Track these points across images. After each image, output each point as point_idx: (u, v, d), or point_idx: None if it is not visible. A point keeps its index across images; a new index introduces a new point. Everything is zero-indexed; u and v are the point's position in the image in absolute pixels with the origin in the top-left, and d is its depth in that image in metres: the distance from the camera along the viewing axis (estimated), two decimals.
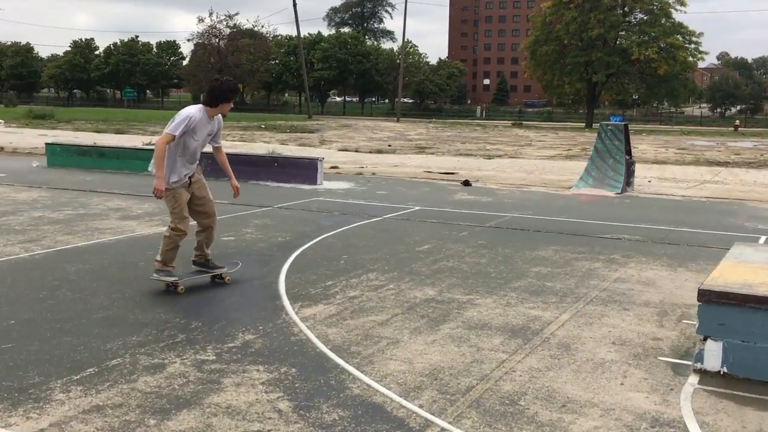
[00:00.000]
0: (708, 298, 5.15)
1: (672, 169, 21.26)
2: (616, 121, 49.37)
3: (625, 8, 66.23)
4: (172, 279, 6.96)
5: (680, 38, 63.94)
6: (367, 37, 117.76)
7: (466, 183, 16.27)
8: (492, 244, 9.56)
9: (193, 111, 6.80)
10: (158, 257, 7.01)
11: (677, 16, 65.38)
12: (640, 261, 8.72)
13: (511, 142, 35.09)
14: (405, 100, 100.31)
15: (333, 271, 7.93)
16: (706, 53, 67.65)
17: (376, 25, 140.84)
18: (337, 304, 6.64)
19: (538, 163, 22.61)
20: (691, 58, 64.79)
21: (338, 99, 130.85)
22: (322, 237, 9.86)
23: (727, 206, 13.68)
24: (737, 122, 69.92)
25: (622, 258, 8.87)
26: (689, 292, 7.31)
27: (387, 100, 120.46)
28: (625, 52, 64.31)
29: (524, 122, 72.72)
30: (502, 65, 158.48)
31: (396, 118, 71.00)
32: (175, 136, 6.64)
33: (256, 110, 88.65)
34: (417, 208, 12.73)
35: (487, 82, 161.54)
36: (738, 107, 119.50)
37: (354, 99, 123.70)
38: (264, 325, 5.96)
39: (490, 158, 24.40)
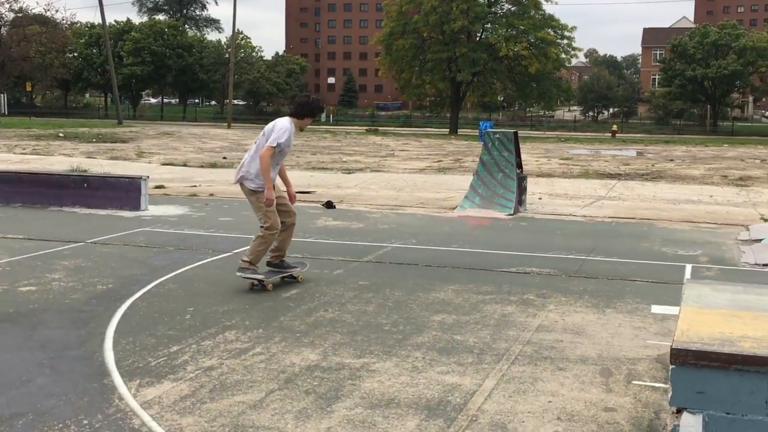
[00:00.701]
0: (684, 359, 4.78)
1: (561, 183, 21.66)
2: (486, 127, 50.93)
3: None
4: (260, 276, 8.69)
5: (552, 33, 66.76)
6: (187, 26, 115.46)
7: (329, 205, 15.69)
8: (377, 286, 8.98)
9: (287, 123, 8.64)
10: (247, 257, 8.72)
11: (548, 8, 68.50)
12: (559, 301, 8.42)
13: (371, 153, 34.99)
14: (236, 101, 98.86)
15: (178, 330, 7.08)
16: (580, 50, 71.24)
17: (198, 12, 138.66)
18: (189, 379, 5.83)
19: (407, 178, 22.43)
20: (564, 55, 67.82)
21: (154, 101, 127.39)
22: (157, 282, 8.94)
23: (635, 228, 13.86)
24: (615, 127, 73.72)
25: (537, 298, 8.54)
26: (628, 341, 7.04)
27: (214, 102, 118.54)
28: (493, 47, 66.37)
29: (380, 128, 73.47)
30: (349, 61, 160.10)
31: (227, 124, 69.65)
32: (274, 147, 8.47)
33: (49, 114, 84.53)
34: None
35: (332, 80, 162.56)
36: (611, 110, 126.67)
37: (173, 101, 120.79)
38: (90, 418, 5.07)
39: (349, 172, 24.02)
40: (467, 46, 66.18)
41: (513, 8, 67.85)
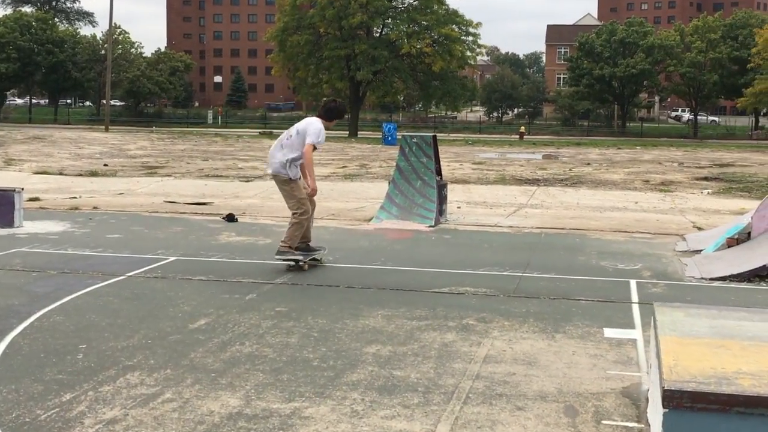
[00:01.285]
0: (678, 402, 4.43)
1: (479, 189, 21.54)
2: (390, 129, 50.81)
3: None
4: (300, 257, 10.52)
5: (456, 29, 67.29)
6: (58, 19, 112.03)
7: (231, 218, 15.07)
8: (297, 312, 8.46)
9: (320, 124, 10.48)
10: (286, 241, 10.44)
11: (451, 2, 68.95)
12: (503, 326, 8.06)
13: (267, 158, 34.28)
14: (114, 102, 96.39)
15: (70, 373, 6.43)
16: (486, 47, 71.76)
17: (69, 5, 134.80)
18: None
19: None
20: (469, 53, 68.45)
21: (20, 101, 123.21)
22: (40, 314, 8.22)
23: (567, 239, 13.71)
24: (522, 129, 74.82)
25: (478, 323, 8.17)
26: (587, 372, 6.73)
27: (89, 103, 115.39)
28: (394, 44, 66.50)
29: (274, 130, 72.64)
30: (237, 59, 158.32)
31: (104, 127, 67.65)
32: (315, 146, 10.31)
33: None
34: (172, 258, 11.33)
35: (219, 79, 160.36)
36: (516, 110, 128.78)
37: (42, 101, 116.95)
38: None
39: (247, 180, 23.38)
40: (367, 42, 66.13)
41: (415, 2, 68.16)
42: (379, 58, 64.37)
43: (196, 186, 21.59)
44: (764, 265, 10.32)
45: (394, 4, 68.73)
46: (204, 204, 17.73)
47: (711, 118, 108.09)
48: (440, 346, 7.37)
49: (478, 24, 67.70)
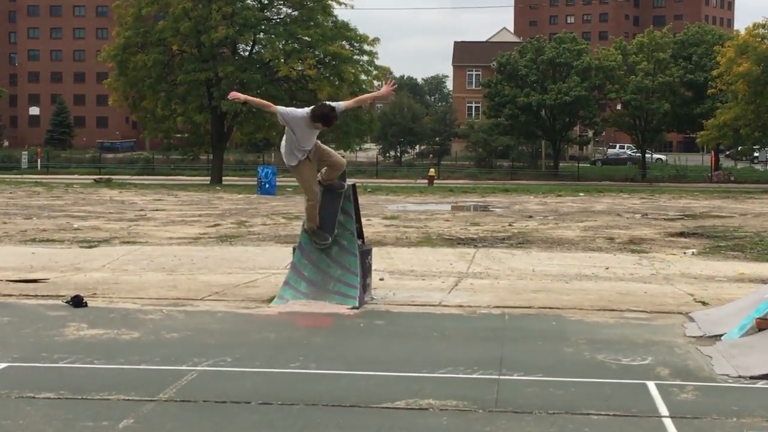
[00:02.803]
0: None
1: (401, 254, 20.76)
2: (266, 173, 49.90)
3: None
4: (327, 234, 14.21)
5: (347, 46, 67.00)
6: None
7: (77, 302, 13.82)
8: None
9: (295, 110, 14.03)
10: (308, 226, 14.30)
11: (341, 14, 68.69)
12: None
13: (112, 214, 32.96)
14: None
15: None
16: (385, 69, 71.32)
17: None
18: None
19: (178, 252, 20.79)
20: (364, 76, 68.13)
21: None
22: None
23: (540, 323, 13.00)
24: (432, 172, 74.90)
25: None
26: None
27: None
28: (268, 65, 65.68)
29: (113, 177, 70.88)
30: (59, 84, 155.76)
31: None
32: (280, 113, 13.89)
33: None
34: (2, 365, 10.12)
35: (35, 111, 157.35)
36: (418, 148, 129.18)
37: None
38: None
39: (91, 246, 22.07)
40: (233, 63, 65.17)
41: (294, 13, 67.54)
42: (250, 84, 63.25)
43: (20, 255, 20.18)
44: None
45: (267, 14, 67.92)
46: (36, 281, 16.39)
47: (656, 156, 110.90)
48: None
49: (375, 40, 67.58)
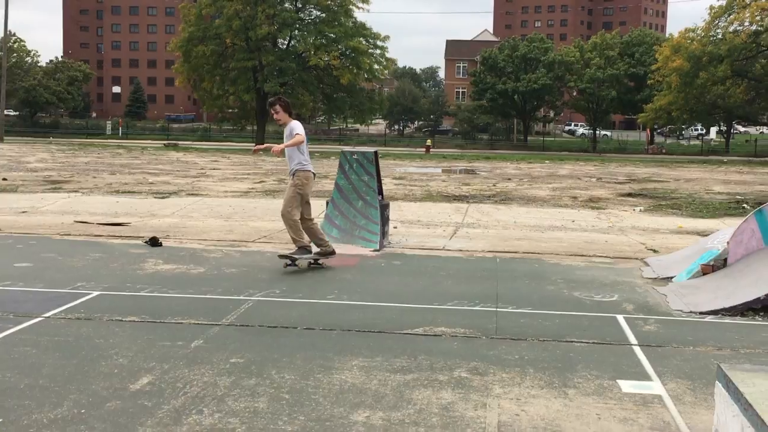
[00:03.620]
0: None
1: (410, 207, 20.31)
2: None
3: (298, 3, 67.05)
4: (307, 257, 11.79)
5: (364, 42, 66.14)
6: None
7: (154, 242, 13.44)
8: (257, 364, 7.06)
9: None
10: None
11: (360, 16, 67.75)
12: (502, 380, 6.81)
13: (178, 172, 32.49)
14: (8, 112, 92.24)
15: None
16: (394, 60, 70.77)
17: None
18: None
19: (232, 203, 20.37)
20: (377, 66, 67.33)
21: None
22: None
23: (525, 265, 12.57)
24: (429, 143, 74.19)
25: (473, 376, 6.89)
26: None
27: None
28: (301, 56, 64.99)
29: (178, 142, 70.31)
30: (136, 69, 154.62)
31: None
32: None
33: None
34: (95, 293, 9.72)
35: (117, 90, 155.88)
36: (416, 124, 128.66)
37: None
38: None
39: (163, 197, 21.64)
40: (274, 54, 64.46)
41: (323, 15, 66.72)
42: (287, 70, 62.79)
43: (107, 203, 19.77)
44: (758, 298, 9.34)
45: (301, 16, 67.17)
46: (120, 225, 16.01)
47: (603, 132, 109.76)
48: (440, 410, 6.06)
49: (386, 37, 66.83)
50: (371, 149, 14.78)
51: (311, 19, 67.72)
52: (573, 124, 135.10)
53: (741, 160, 65.91)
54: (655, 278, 11.61)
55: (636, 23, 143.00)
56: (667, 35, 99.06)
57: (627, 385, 6.77)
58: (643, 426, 5.88)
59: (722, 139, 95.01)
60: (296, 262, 11.61)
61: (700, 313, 9.43)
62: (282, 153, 11.37)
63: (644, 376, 7.04)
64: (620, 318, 9.14)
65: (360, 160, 14.14)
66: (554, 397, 6.43)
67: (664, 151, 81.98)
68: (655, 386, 6.77)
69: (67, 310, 8.85)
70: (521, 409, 6.16)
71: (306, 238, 11.71)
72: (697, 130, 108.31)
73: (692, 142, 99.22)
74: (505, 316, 9.09)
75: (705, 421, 5.96)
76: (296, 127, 11.51)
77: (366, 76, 65.44)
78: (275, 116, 11.69)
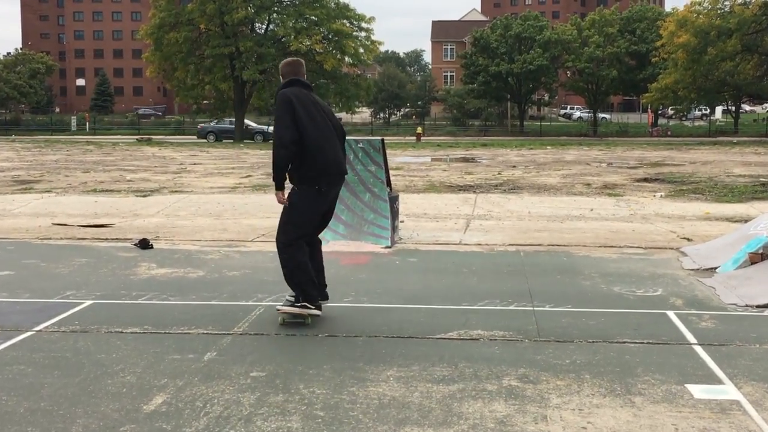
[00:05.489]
0: None
1: (413, 199, 19.97)
2: None
3: None
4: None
5: (347, 24, 65.73)
6: None
7: (144, 244, 13.04)
8: (282, 378, 6.73)
9: None
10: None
11: None
12: (558, 388, 6.49)
13: (157, 168, 32.07)
14: None
15: None
16: (380, 43, 70.08)
17: None
18: None
19: (221, 200, 20.00)
20: (362, 50, 66.88)
21: None
22: None
23: (553, 259, 12.25)
24: (419, 130, 73.83)
25: (524, 385, 6.57)
26: None
27: None
28: (281, 41, 64.55)
29: (152, 136, 69.76)
30: (101, 60, 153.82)
31: None
32: None
33: None
34: (88, 302, 9.34)
35: (81, 82, 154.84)
36: (403, 110, 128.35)
37: None
38: None
39: (144, 195, 21.25)
40: (252, 39, 63.96)
41: None
42: (266, 57, 62.29)
43: (84, 203, 19.36)
44: None
45: None
46: (103, 226, 15.61)
47: (602, 115, 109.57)
48: (497, 425, 5.75)
49: (371, 19, 66.30)
50: (377, 138, 14.42)
51: (290, 1, 67.21)
52: (569, 107, 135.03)
53: (753, 140, 65.89)
54: (697, 269, 11.31)
55: None
56: (667, 9, 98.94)
57: (698, 390, 6.46)
58: None
59: (729, 119, 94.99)
60: None
61: (757, 306, 9.14)
62: None
63: (714, 380, 6.73)
64: (671, 314, 8.83)
65: (366, 148, 13.79)
66: (620, 406, 6.11)
67: (669, 133, 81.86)
68: (729, 390, 6.46)
69: (60, 322, 8.47)
70: (587, 421, 5.84)
71: None
72: (701, 110, 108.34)
73: (696, 123, 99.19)
74: (545, 316, 8.76)
75: None
76: None
77: (351, 61, 64.98)
78: None
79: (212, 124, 69.62)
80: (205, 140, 65.10)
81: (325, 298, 8.65)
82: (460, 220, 16.79)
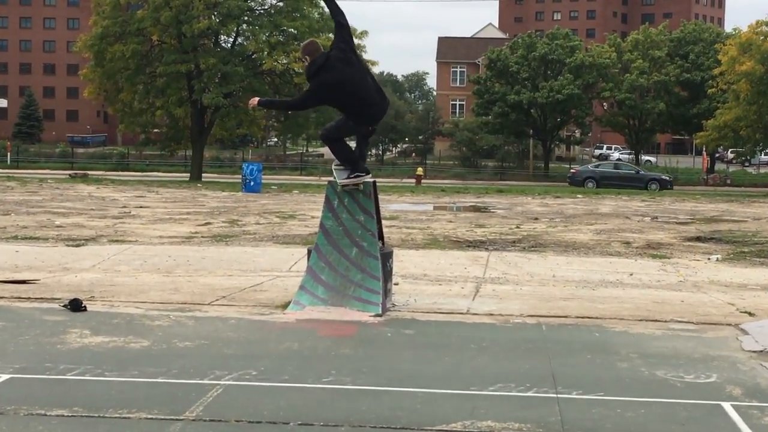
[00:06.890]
0: None
1: (411, 257, 20.08)
2: (251, 170, 49.40)
3: None
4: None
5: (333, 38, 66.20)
6: None
7: (76, 305, 13.11)
8: None
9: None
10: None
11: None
12: None
13: (94, 211, 32.17)
14: None
15: None
16: (375, 63, 70.28)
17: None
18: None
19: (173, 252, 20.08)
20: None
21: None
22: None
23: (582, 334, 12.36)
24: (420, 171, 74.28)
25: None
26: None
27: None
28: (252, 58, 64.93)
29: (88, 172, 69.97)
30: (28, 76, 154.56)
31: None
32: None
33: None
34: (4, 377, 9.44)
35: (3, 104, 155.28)
36: (400, 146, 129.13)
37: None
38: None
39: (77, 244, 21.33)
40: (216, 55, 64.29)
41: (279, 3, 66.71)
42: (232, 76, 62.55)
43: (3, 253, 19.43)
44: None
45: (251, 4, 67.03)
46: (25, 282, 15.66)
47: (646, 157, 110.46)
48: None
49: (363, 33, 66.69)
50: (368, 179, 14.53)
51: (265, 9, 67.65)
52: (605, 146, 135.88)
53: None
54: (761, 351, 11.45)
55: (686, 15, 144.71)
56: (727, 30, 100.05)
57: None
58: None
59: None
60: None
61: None
62: None
63: None
64: (727, 406, 8.92)
65: (353, 194, 13.90)
66: None
67: (728, 181, 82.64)
68: None
69: None
70: None
71: None
72: (767, 154, 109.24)
73: (762, 170, 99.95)
74: (571, 405, 8.83)
75: None
76: None
77: None
78: None
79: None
80: (189, 178, 65.18)
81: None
82: (467, 283, 16.91)
